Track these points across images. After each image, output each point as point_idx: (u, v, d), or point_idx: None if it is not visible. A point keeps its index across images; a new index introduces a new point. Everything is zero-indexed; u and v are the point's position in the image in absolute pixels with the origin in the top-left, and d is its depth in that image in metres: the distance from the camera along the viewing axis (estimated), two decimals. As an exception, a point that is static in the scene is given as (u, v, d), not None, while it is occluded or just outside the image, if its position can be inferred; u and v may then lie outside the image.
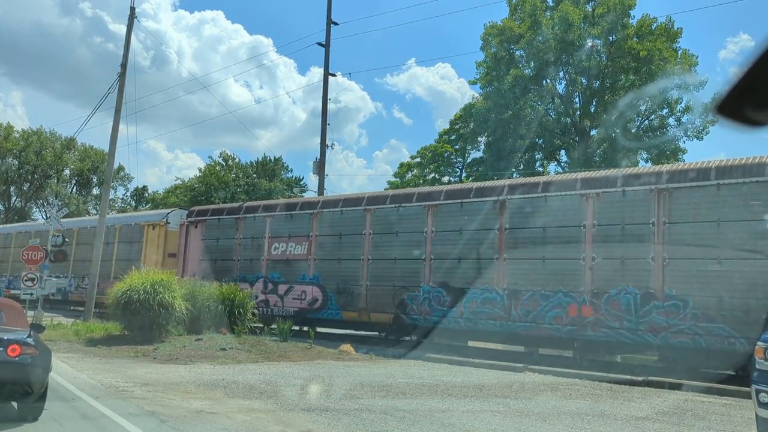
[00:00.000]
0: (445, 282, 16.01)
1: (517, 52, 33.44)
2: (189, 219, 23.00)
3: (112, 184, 35.03)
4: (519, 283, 14.76)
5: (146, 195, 60.96)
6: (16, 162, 57.39)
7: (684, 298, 12.51)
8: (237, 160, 49.95)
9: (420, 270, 16.56)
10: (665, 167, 14.70)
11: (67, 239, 25.52)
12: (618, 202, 13.68)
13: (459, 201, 16.28)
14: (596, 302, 13.54)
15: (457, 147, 41.82)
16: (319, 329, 18.12)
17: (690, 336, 12.37)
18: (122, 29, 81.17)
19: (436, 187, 21.08)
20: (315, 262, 18.92)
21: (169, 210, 27.34)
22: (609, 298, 13.45)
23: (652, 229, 13.06)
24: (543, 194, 14.87)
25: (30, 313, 17.78)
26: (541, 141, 34.20)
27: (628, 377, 12.01)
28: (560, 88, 33.97)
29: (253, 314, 17.65)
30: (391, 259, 17.24)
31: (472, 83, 38.60)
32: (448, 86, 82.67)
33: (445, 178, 41.48)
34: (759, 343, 7.10)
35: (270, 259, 20.10)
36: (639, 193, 13.45)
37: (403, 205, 17.34)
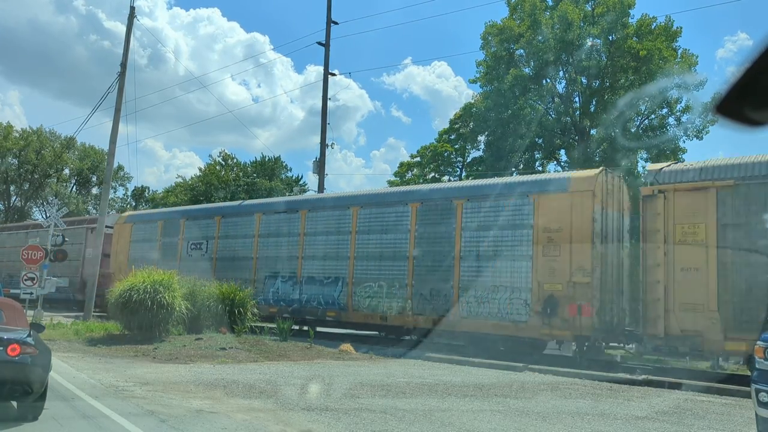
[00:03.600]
0: None
1: (517, 52, 33.41)
2: None
3: (111, 184, 35.10)
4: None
5: (146, 195, 60.93)
6: (15, 161, 57.37)
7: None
8: (236, 160, 50.02)
9: None
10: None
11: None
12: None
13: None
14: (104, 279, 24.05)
15: (456, 146, 41.78)
16: (319, 329, 18.19)
17: None
18: (117, 26, 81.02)
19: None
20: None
21: None
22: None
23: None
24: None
25: (30, 312, 17.78)
26: (540, 140, 34.15)
27: (628, 377, 12.04)
28: (560, 87, 33.93)
29: (253, 314, 17.67)
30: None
31: (472, 82, 38.56)
32: (445, 85, 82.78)
33: (446, 178, 41.43)
34: (759, 342, 7.08)
35: None
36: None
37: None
